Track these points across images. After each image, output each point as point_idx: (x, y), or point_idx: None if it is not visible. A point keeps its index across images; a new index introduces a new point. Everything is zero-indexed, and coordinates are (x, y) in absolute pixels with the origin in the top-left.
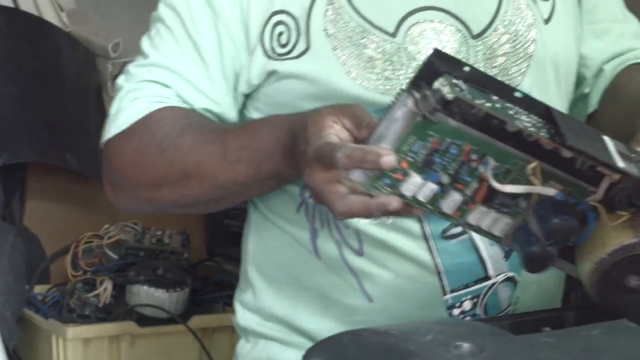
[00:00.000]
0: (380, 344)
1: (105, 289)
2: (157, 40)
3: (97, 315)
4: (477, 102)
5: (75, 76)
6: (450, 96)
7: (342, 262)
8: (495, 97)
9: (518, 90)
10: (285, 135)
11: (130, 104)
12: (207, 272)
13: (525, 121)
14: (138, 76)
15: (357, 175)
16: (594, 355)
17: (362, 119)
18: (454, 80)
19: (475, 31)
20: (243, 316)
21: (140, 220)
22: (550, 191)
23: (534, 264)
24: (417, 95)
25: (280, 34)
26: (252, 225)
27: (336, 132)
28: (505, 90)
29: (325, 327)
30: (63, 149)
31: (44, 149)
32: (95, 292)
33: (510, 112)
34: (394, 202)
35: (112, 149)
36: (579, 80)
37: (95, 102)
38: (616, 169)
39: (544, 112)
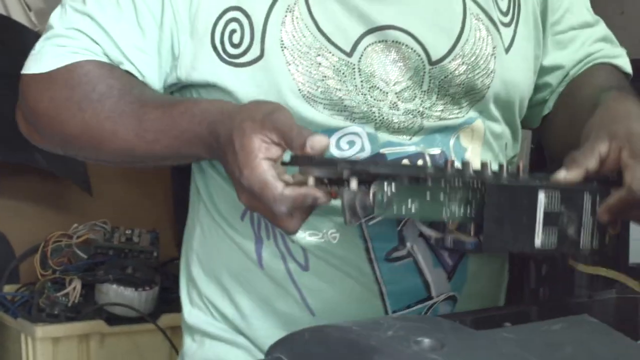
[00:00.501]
0: (342, 339)
1: (75, 288)
2: None
3: (67, 315)
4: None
5: None
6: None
7: (287, 275)
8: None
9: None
10: (205, 131)
11: (54, 49)
12: (176, 270)
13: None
14: (70, 21)
15: None
16: (555, 350)
17: (289, 130)
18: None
19: (434, 57)
20: (190, 313)
21: (109, 219)
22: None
23: None
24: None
25: (233, 31)
26: (197, 223)
27: (266, 154)
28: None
29: (265, 333)
30: (32, 149)
31: (12, 148)
32: (65, 292)
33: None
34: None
35: (29, 90)
36: (542, 87)
37: None
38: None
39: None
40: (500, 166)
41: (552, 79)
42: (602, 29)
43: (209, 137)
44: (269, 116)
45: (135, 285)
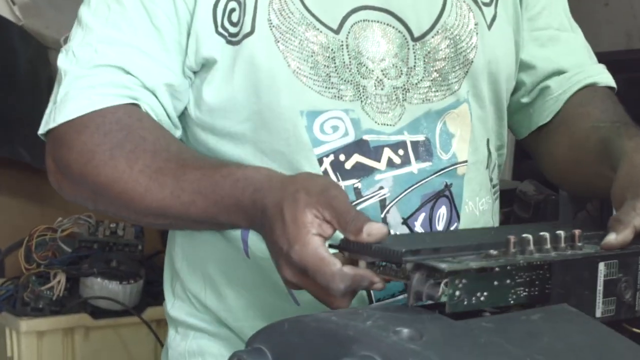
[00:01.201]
0: (320, 329)
1: (59, 281)
2: (101, 9)
3: (51, 308)
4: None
5: (27, 69)
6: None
7: (273, 264)
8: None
9: None
10: (248, 199)
11: (81, 92)
12: (161, 263)
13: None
14: (86, 60)
15: None
16: (534, 340)
17: (346, 212)
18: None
19: (416, 34)
20: (174, 305)
21: (93, 213)
22: None
23: None
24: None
25: (233, 10)
26: None
27: (318, 231)
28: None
29: (249, 324)
30: (15, 142)
31: None
32: (49, 285)
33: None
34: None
35: (59, 139)
36: (517, 86)
37: (47, 95)
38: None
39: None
40: (557, 237)
41: (526, 77)
42: (582, 37)
43: (252, 206)
44: (325, 193)
45: (120, 279)
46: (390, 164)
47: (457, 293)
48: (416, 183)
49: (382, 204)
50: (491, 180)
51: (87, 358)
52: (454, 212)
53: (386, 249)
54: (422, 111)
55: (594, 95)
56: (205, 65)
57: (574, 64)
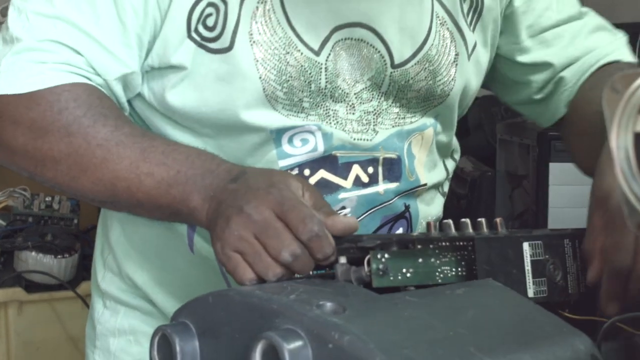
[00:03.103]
0: (244, 303)
1: None
2: None
3: None
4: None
5: None
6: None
7: (217, 263)
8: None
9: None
10: (222, 170)
11: (32, 66)
12: None
13: None
14: (41, 31)
15: None
16: (457, 313)
17: (322, 201)
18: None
19: (397, 60)
20: (104, 278)
21: (29, 186)
22: None
23: None
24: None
25: (209, 15)
26: None
27: (298, 192)
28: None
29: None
30: None
31: None
32: None
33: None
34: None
35: (2, 110)
36: (526, 85)
37: None
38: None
39: None
40: (480, 223)
41: (538, 77)
42: (593, 19)
43: (226, 173)
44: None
45: (55, 253)
46: (357, 182)
47: (381, 267)
48: (380, 204)
49: None
50: (444, 194)
51: (21, 332)
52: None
53: None
54: (394, 131)
55: (603, 76)
56: (171, 68)
57: (584, 49)
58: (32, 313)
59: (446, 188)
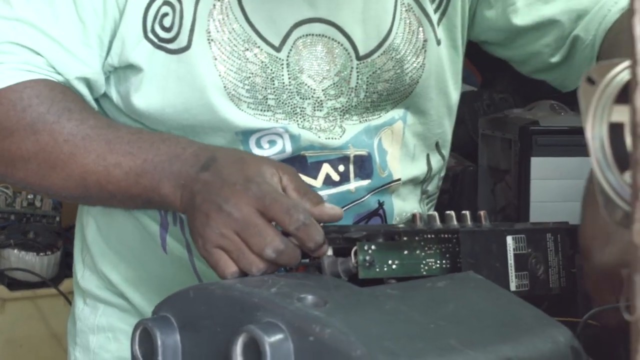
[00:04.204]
0: (225, 297)
1: None
2: None
3: None
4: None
5: None
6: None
7: (189, 263)
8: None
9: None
10: (189, 154)
11: None
12: None
13: None
14: (2, 33)
15: None
16: (438, 306)
17: (301, 182)
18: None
19: (362, 52)
20: (83, 276)
21: (11, 184)
22: None
23: None
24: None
25: (165, 15)
26: None
27: (276, 183)
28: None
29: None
30: None
31: None
32: None
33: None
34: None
35: None
36: (537, 50)
37: None
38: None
39: None
40: (464, 216)
41: (547, 39)
42: None
43: (194, 158)
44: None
45: (37, 250)
46: (328, 181)
47: (368, 258)
48: (352, 202)
49: None
50: (426, 192)
51: (4, 330)
52: None
53: None
54: (362, 127)
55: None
56: (131, 69)
57: (588, 3)
58: (15, 310)
59: (431, 186)
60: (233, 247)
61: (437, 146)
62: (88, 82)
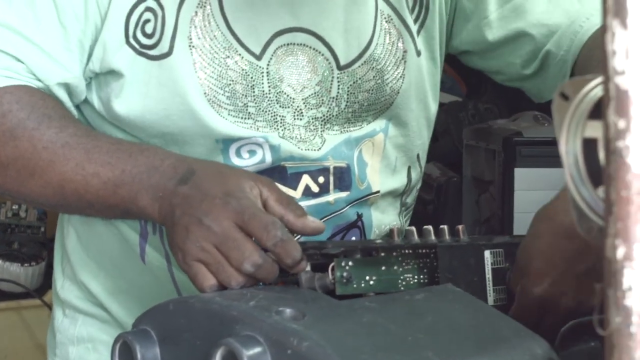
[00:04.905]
0: (204, 310)
1: None
2: None
3: None
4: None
5: None
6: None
7: (168, 273)
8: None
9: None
10: (167, 166)
11: None
12: None
13: None
14: None
15: None
16: (416, 319)
17: (282, 193)
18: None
19: (343, 62)
20: (63, 286)
21: None
22: None
23: None
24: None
25: (147, 21)
26: None
27: (256, 197)
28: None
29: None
30: None
31: None
32: None
33: None
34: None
35: None
36: (508, 65)
37: None
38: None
39: None
40: (442, 230)
41: (518, 52)
42: None
43: (172, 170)
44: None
45: (22, 261)
46: (307, 192)
47: (345, 274)
48: (331, 214)
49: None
50: (405, 204)
51: None
52: None
53: None
54: (342, 138)
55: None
56: (112, 75)
57: (560, 20)
58: None
59: (410, 198)
60: (212, 261)
61: (418, 158)
62: (68, 88)
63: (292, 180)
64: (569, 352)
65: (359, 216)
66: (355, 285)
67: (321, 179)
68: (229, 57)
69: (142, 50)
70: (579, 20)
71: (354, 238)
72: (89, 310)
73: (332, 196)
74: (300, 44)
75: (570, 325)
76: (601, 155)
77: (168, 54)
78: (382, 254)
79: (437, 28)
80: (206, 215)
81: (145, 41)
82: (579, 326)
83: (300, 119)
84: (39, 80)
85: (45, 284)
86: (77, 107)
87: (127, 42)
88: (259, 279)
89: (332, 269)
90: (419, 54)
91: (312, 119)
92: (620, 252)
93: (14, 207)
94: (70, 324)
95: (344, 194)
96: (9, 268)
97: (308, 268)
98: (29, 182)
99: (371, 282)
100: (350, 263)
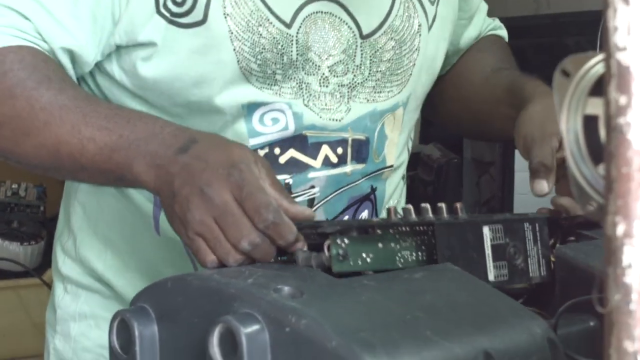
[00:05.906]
0: (203, 287)
1: None
2: None
3: None
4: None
5: None
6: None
7: (183, 244)
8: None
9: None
10: (167, 133)
11: None
12: None
13: None
14: None
15: None
16: (415, 297)
17: (278, 181)
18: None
19: (365, 31)
20: (65, 262)
21: None
22: None
23: None
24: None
25: None
26: None
27: (260, 170)
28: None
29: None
30: None
31: None
32: None
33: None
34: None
35: None
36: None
37: None
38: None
39: None
40: (440, 208)
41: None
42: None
43: (172, 137)
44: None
45: (21, 240)
46: (327, 162)
47: (341, 252)
48: (347, 185)
49: (310, 203)
50: (403, 177)
51: None
52: (374, 216)
53: None
54: (367, 110)
55: (493, 43)
56: (141, 46)
57: (483, 27)
58: None
59: (405, 172)
60: (210, 235)
61: (408, 142)
62: (72, 55)
63: (313, 149)
64: (567, 331)
65: (373, 189)
66: (352, 263)
67: (340, 150)
68: (261, 25)
69: (173, 19)
70: (482, 25)
71: (366, 211)
72: (92, 286)
73: (349, 167)
74: (327, 13)
75: (569, 305)
76: (602, 132)
77: (202, 21)
78: (379, 232)
79: (450, 11)
80: (208, 186)
81: (176, 9)
82: (577, 305)
83: (327, 86)
84: (45, 41)
85: (45, 263)
86: (93, 78)
87: (158, 11)
88: (255, 258)
89: (329, 247)
90: (430, 29)
91: (339, 85)
92: (620, 230)
93: (13, 186)
94: (72, 300)
95: (360, 166)
96: (8, 247)
97: (305, 248)
98: (23, 142)
99: (368, 260)
100: (346, 240)
